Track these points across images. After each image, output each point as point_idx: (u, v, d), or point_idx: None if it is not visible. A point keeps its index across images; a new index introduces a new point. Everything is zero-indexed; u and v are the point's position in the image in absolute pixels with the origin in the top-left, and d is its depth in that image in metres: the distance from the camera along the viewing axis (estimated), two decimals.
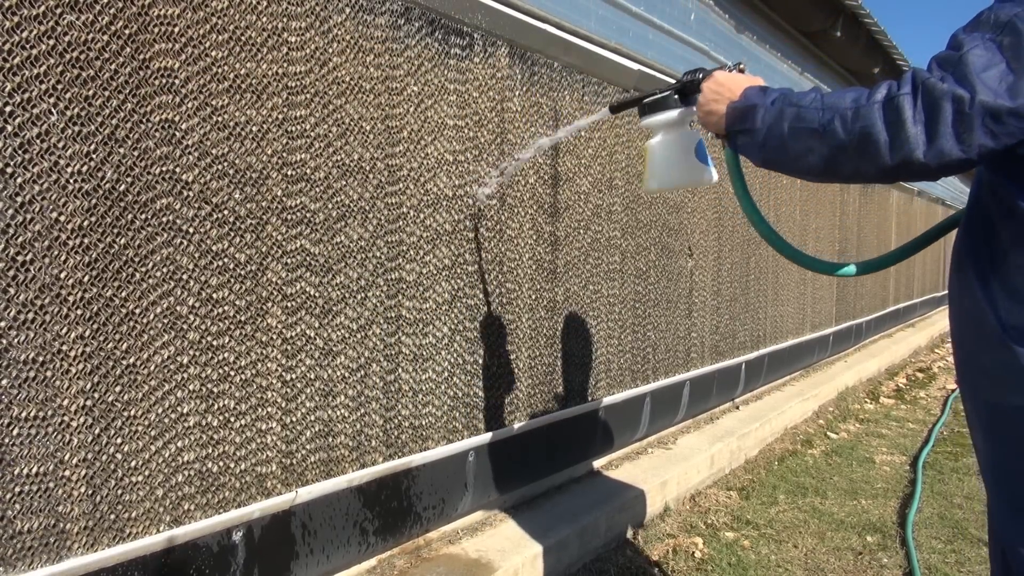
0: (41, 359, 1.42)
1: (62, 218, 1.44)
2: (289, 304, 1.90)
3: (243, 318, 1.79)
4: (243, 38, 1.75)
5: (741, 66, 1.57)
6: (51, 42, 1.41)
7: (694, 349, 4.08)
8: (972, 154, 1.11)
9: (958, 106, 1.09)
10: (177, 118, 1.63)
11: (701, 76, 1.60)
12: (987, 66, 1.09)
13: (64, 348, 1.46)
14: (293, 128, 1.88)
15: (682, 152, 1.80)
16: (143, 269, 1.58)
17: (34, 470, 1.42)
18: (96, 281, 1.50)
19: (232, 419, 1.78)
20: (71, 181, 1.45)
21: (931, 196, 10.46)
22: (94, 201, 1.49)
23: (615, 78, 3.24)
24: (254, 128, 1.79)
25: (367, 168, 2.09)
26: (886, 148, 1.16)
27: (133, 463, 1.58)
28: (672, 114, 1.77)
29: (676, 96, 1.75)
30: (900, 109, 1.14)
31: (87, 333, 1.49)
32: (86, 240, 1.48)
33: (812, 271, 1.84)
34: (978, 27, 1.14)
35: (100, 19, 1.48)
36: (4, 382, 1.38)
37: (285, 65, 1.85)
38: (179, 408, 1.66)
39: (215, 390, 1.73)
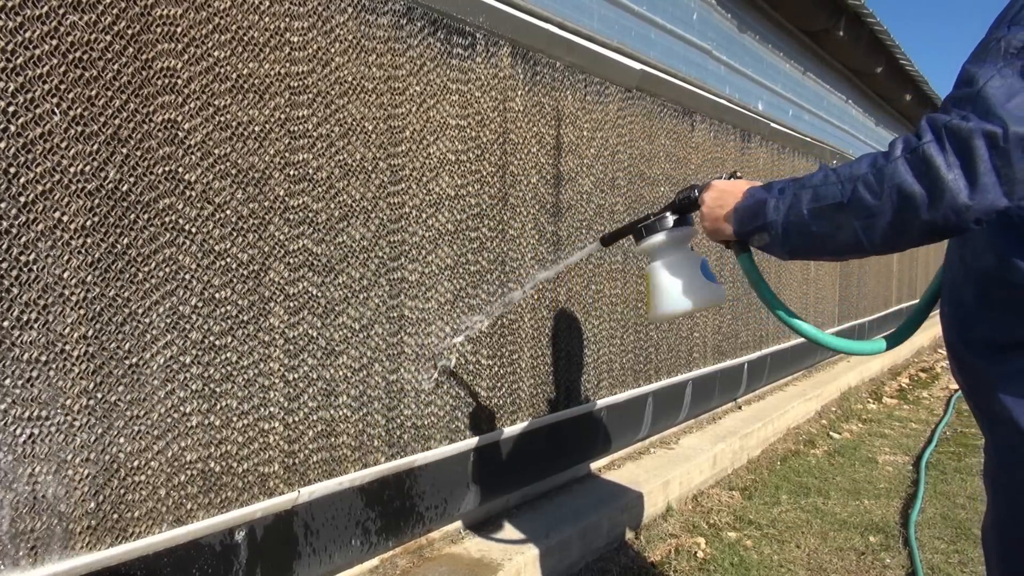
0: (44, 359, 1.42)
1: (65, 218, 1.44)
2: (291, 304, 1.90)
3: (245, 318, 1.79)
4: (246, 38, 1.76)
5: (737, 173, 1.50)
6: (54, 42, 1.41)
7: (696, 349, 4.08)
8: (1017, 189, 1.03)
9: (991, 142, 1.01)
10: (180, 118, 1.63)
11: (696, 192, 1.53)
12: (1010, 95, 1.02)
13: (67, 348, 1.46)
14: (295, 128, 1.88)
15: (690, 271, 1.64)
16: (146, 269, 1.58)
17: (37, 470, 1.43)
18: (99, 281, 1.51)
19: (234, 419, 1.78)
20: (74, 181, 1.45)
21: None
22: (97, 201, 1.49)
23: (618, 78, 3.24)
24: (256, 128, 1.79)
25: (369, 168, 2.10)
26: (924, 202, 1.06)
27: (136, 463, 1.58)
28: (672, 233, 1.65)
29: (674, 215, 1.65)
30: (929, 159, 1.05)
31: (90, 333, 1.49)
32: (89, 240, 1.48)
33: (857, 355, 1.70)
34: (987, 57, 1.06)
35: (103, 19, 1.48)
36: (7, 382, 1.38)
37: (288, 65, 1.85)
38: (182, 408, 1.66)
39: (217, 390, 1.74)
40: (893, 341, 1.44)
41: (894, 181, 1.08)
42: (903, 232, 1.11)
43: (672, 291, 1.63)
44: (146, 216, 1.58)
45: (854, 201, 1.13)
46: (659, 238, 1.67)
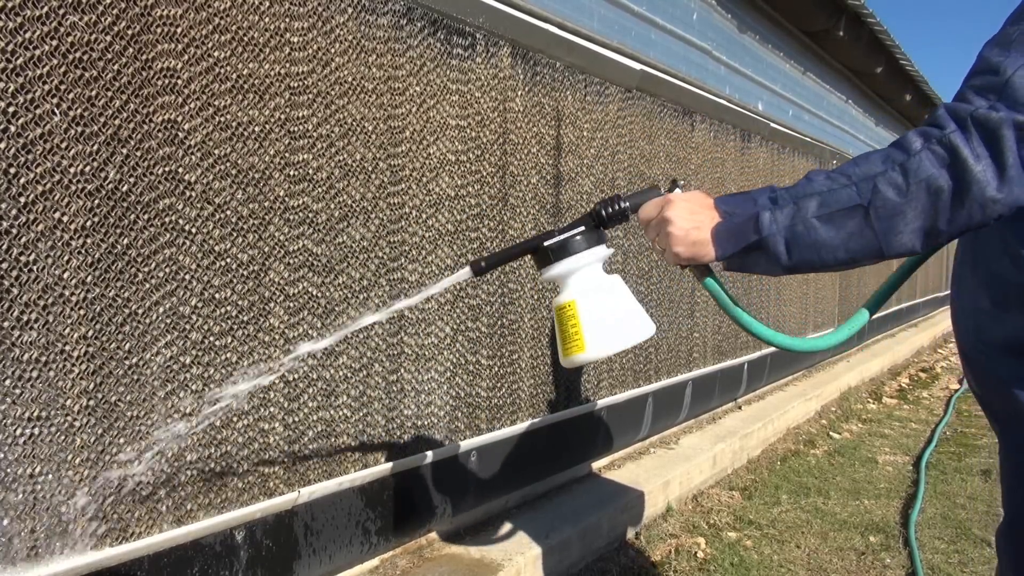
0: (44, 359, 1.43)
1: (65, 218, 1.44)
2: (291, 304, 1.90)
3: (245, 318, 1.79)
4: (246, 38, 1.76)
5: (682, 183, 1.26)
6: (54, 43, 1.41)
7: (696, 349, 4.08)
8: None
9: (1021, 133, 0.97)
10: (180, 118, 1.63)
11: (627, 204, 1.28)
12: None
13: (67, 348, 1.46)
14: (296, 128, 1.88)
15: (626, 295, 1.32)
16: (146, 269, 1.58)
17: (37, 470, 1.43)
18: (99, 281, 1.51)
19: (234, 419, 1.78)
20: (74, 181, 1.46)
21: None
22: (97, 201, 1.49)
23: (618, 78, 3.24)
24: (256, 128, 1.79)
25: (369, 168, 2.10)
26: (951, 196, 1.00)
27: (136, 463, 1.58)
28: (605, 252, 1.32)
29: (596, 230, 1.30)
30: (955, 149, 0.99)
31: (90, 333, 1.49)
32: (89, 240, 1.48)
33: (849, 337, 1.47)
34: (1011, 45, 1.03)
35: (103, 20, 1.48)
36: (7, 382, 1.38)
37: (288, 65, 1.85)
38: (182, 408, 1.67)
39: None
40: (872, 308, 1.33)
41: (920, 176, 1.01)
42: (928, 232, 1.04)
43: (617, 323, 1.31)
44: (146, 216, 1.58)
45: (876, 201, 1.04)
46: (587, 259, 1.29)
